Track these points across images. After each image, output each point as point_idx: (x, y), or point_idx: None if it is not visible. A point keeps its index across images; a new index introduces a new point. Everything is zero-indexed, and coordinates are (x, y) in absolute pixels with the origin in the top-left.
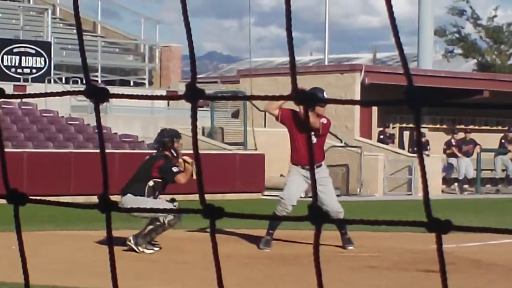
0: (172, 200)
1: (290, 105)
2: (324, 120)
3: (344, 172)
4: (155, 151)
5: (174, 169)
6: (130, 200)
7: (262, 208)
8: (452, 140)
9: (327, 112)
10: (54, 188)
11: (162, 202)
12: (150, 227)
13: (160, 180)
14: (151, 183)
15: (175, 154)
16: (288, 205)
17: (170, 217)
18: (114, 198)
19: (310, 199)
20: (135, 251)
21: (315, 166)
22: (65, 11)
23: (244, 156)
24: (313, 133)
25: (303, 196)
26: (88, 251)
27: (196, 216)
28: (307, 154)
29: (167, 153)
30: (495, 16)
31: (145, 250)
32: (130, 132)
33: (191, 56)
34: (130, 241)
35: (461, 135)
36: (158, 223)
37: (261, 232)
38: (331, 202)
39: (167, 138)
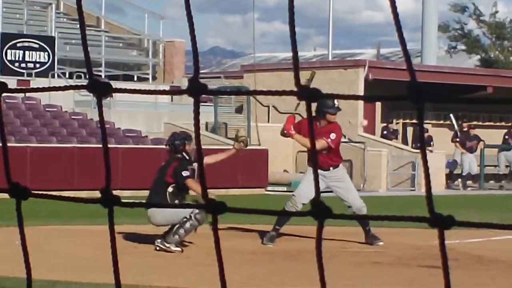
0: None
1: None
2: (333, 136)
3: (347, 167)
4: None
5: (184, 173)
6: (156, 212)
7: (265, 203)
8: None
9: None
10: (57, 183)
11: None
12: (177, 225)
13: (175, 185)
14: (170, 189)
15: (187, 157)
16: (298, 202)
17: (197, 210)
18: (116, 192)
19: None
20: (165, 250)
21: (331, 168)
22: (68, 5)
23: (248, 151)
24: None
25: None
26: (91, 246)
27: None
28: (321, 159)
29: (179, 156)
30: (497, 12)
31: (171, 247)
32: (134, 127)
33: (194, 50)
34: (158, 242)
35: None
36: (185, 219)
37: (264, 228)
38: (352, 197)
39: (178, 141)
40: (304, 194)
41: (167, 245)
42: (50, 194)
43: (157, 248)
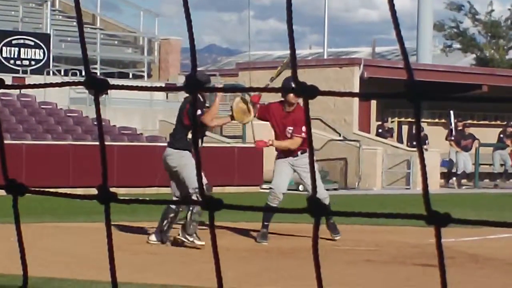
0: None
1: (273, 97)
2: (304, 128)
3: (342, 165)
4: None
5: (198, 112)
6: (173, 153)
7: (260, 201)
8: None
9: (326, 106)
10: (53, 180)
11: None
12: (188, 220)
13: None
14: (190, 135)
15: (201, 99)
16: (278, 193)
17: (194, 198)
18: (111, 190)
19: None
20: (191, 246)
21: (299, 153)
22: (64, 3)
23: (243, 149)
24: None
25: (301, 189)
26: (87, 243)
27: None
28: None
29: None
30: (492, 10)
31: (195, 241)
32: (129, 124)
33: (191, 47)
34: (179, 235)
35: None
36: (191, 207)
37: (259, 226)
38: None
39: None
40: (281, 184)
41: (191, 239)
42: (47, 190)
43: (184, 244)
